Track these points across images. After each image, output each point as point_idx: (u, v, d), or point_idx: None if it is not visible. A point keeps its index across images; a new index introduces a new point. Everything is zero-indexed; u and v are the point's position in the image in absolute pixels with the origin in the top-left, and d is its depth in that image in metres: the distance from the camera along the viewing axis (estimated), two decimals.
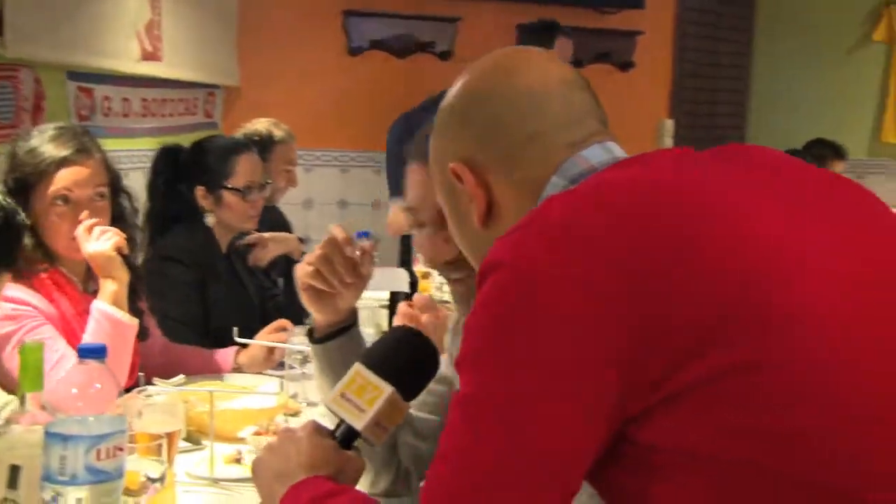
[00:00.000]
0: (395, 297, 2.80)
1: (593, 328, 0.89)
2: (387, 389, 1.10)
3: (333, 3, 4.79)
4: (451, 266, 1.40)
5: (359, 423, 1.10)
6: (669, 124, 5.50)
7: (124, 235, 1.97)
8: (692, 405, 0.88)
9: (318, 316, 1.55)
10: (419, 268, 2.95)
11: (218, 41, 4.36)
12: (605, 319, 0.89)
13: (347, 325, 1.55)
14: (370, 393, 1.09)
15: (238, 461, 1.79)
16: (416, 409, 1.59)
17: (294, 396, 2.14)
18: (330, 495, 1.06)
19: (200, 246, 2.64)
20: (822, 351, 0.88)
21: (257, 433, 1.88)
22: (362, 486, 1.62)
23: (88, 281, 2.07)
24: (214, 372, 2.34)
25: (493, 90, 1.11)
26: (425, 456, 1.57)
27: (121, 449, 1.22)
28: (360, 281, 1.52)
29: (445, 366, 1.59)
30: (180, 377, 1.99)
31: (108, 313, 1.89)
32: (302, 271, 1.52)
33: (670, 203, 0.94)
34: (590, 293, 0.89)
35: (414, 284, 2.88)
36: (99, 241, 1.93)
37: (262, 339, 2.35)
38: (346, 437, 1.12)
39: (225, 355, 2.42)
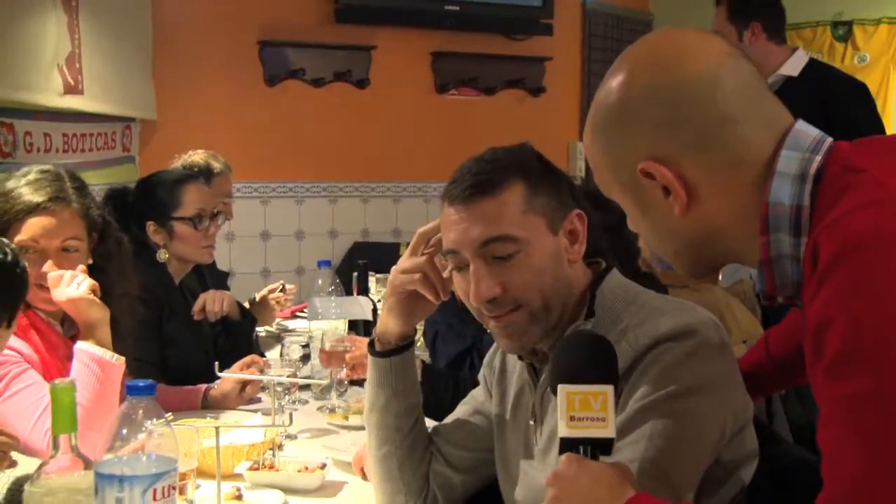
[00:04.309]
0: (353, 326, 2.78)
1: None
2: (608, 388, 1.10)
3: (249, 34, 4.73)
4: (494, 302, 1.36)
5: (610, 431, 1.09)
6: (581, 146, 5.64)
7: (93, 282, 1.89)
8: None
9: (398, 327, 1.54)
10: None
11: (135, 73, 4.24)
12: None
13: (413, 338, 1.57)
14: (596, 402, 1.09)
15: (238, 498, 1.74)
16: (450, 442, 1.60)
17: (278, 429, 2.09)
18: None
19: (156, 283, 2.56)
20: None
21: (252, 468, 1.83)
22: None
23: (65, 325, 1.98)
24: (183, 409, 2.26)
25: (663, 82, 1.07)
26: (456, 485, 1.59)
27: (174, 488, 1.18)
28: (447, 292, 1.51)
29: (482, 398, 1.60)
30: (168, 415, 1.91)
31: (95, 354, 1.81)
32: (404, 277, 1.50)
33: None
34: None
35: (376, 311, 2.85)
36: (70, 286, 1.85)
37: (237, 374, 2.29)
38: (604, 450, 1.11)
39: (192, 393, 2.36)
